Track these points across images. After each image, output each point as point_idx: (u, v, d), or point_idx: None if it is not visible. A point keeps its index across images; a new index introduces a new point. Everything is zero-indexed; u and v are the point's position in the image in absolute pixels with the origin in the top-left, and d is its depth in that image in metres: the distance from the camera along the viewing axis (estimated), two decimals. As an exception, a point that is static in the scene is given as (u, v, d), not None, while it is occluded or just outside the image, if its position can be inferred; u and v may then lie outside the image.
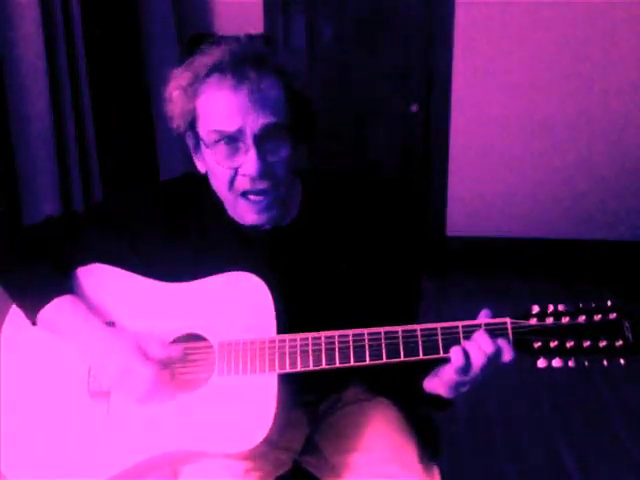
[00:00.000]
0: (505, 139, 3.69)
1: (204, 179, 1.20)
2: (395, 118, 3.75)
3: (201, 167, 1.18)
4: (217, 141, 1.08)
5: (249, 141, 1.06)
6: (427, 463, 1.17)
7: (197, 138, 1.13)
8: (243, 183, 1.10)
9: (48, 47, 2.36)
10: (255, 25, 3.42)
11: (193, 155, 1.18)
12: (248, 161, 1.06)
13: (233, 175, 1.09)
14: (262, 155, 1.07)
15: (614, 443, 2.30)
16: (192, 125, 1.12)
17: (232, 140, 1.07)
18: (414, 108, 3.70)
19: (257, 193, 1.10)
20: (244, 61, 1.07)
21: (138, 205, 1.23)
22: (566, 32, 3.49)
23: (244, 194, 1.11)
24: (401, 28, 3.61)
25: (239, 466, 1.09)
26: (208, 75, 1.08)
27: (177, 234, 1.21)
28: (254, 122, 1.05)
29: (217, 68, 1.07)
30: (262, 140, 1.07)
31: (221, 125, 1.07)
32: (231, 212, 1.19)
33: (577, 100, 3.58)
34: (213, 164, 1.11)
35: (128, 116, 2.98)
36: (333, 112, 3.63)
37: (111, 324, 1.15)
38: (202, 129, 1.11)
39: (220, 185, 1.13)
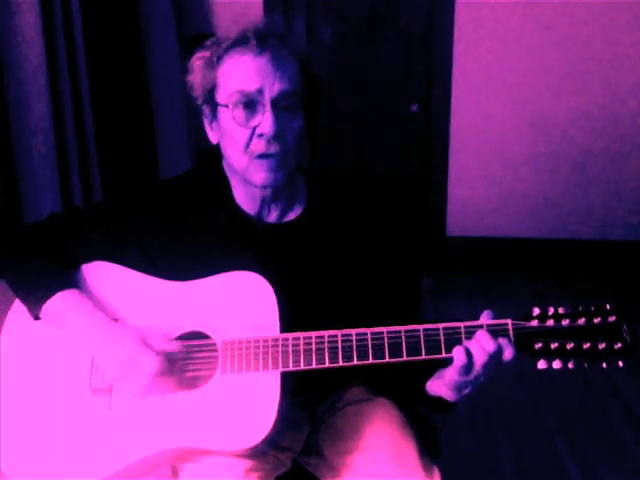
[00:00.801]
0: (505, 139, 3.70)
1: (208, 176, 1.21)
2: (395, 118, 3.75)
3: (213, 138, 1.22)
4: (237, 103, 1.12)
5: (267, 103, 1.11)
6: (427, 463, 1.18)
7: (214, 107, 1.17)
8: (258, 145, 1.13)
9: (48, 47, 2.36)
10: (254, 21, 3.41)
11: (207, 127, 1.22)
12: (265, 121, 1.11)
13: (250, 137, 1.13)
14: (278, 118, 1.11)
15: (615, 443, 2.30)
16: (211, 95, 1.16)
17: (251, 103, 1.12)
18: (414, 108, 3.70)
19: (269, 156, 1.14)
20: (267, 35, 1.13)
21: (142, 203, 1.24)
22: (566, 32, 3.49)
23: (258, 157, 1.14)
24: (401, 28, 3.61)
25: (239, 466, 1.10)
26: (232, 46, 1.14)
27: (181, 231, 1.22)
28: (273, 85, 1.11)
29: (241, 41, 1.14)
30: (278, 105, 1.12)
31: (242, 85, 1.12)
32: (240, 174, 1.20)
33: (577, 100, 3.59)
34: (231, 126, 1.14)
35: (128, 116, 2.97)
36: (333, 112, 3.63)
37: (114, 321, 1.14)
38: (222, 94, 1.15)
39: (235, 148, 1.16)
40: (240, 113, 1.13)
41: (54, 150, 2.42)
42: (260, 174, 1.15)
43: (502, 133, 3.69)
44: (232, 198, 1.24)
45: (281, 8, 3.60)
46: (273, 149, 1.13)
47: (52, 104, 2.40)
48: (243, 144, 1.14)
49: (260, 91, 1.11)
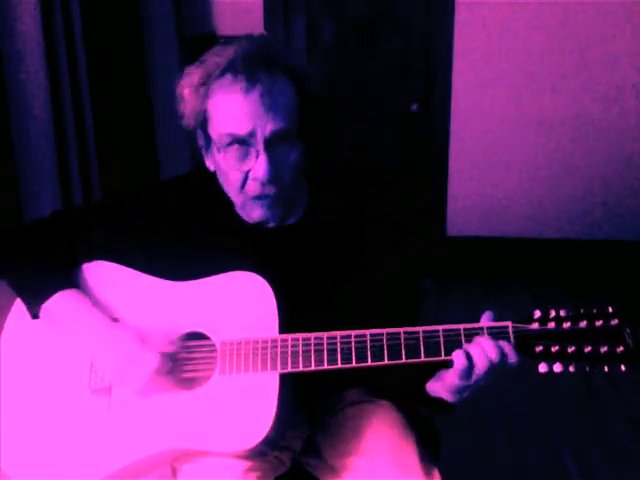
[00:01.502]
0: (505, 139, 3.70)
1: (210, 177, 1.21)
2: (395, 118, 3.75)
3: (210, 165, 1.19)
4: (228, 144, 1.09)
5: (260, 145, 1.07)
6: (427, 466, 1.17)
7: (208, 138, 1.14)
8: (253, 188, 1.11)
9: (48, 47, 2.36)
10: (255, 25, 3.43)
11: (203, 153, 1.20)
12: (259, 166, 1.08)
13: (244, 179, 1.11)
14: (272, 159, 1.08)
15: (614, 443, 2.30)
16: (203, 125, 1.13)
17: (243, 143, 1.08)
18: (414, 108, 3.70)
19: (265, 198, 1.12)
20: (256, 62, 1.07)
21: (143, 203, 1.24)
22: (566, 32, 3.49)
23: (254, 198, 1.13)
24: (401, 28, 3.62)
25: (238, 466, 1.09)
26: (220, 75, 1.08)
27: (182, 232, 1.21)
28: (265, 126, 1.07)
29: (229, 68, 1.07)
30: (273, 144, 1.08)
31: (232, 128, 1.08)
32: (238, 208, 1.21)
33: (578, 99, 3.59)
34: (224, 167, 1.12)
35: (128, 116, 2.97)
36: (333, 112, 3.63)
37: (114, 321, 1.14)
38: (214, 132, 1.11)
39: (230, 187, 1.15)
40: (233, 155, 1.09)
41: (54, 150, 2.43)
42: (257, 212, 1.15)
43: (502, 133, 3.69)
44: (231, 203, 1.23)
45: (281, 8, 3.60)
46: (268, 191, 1.11)
47: (52, 104, 2.40)
48: (238, 185, 1.12)
49: (252, 134, 1.07)
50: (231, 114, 1.07)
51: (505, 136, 3.69)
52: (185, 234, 1.21)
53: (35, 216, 2.38)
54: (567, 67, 3.54)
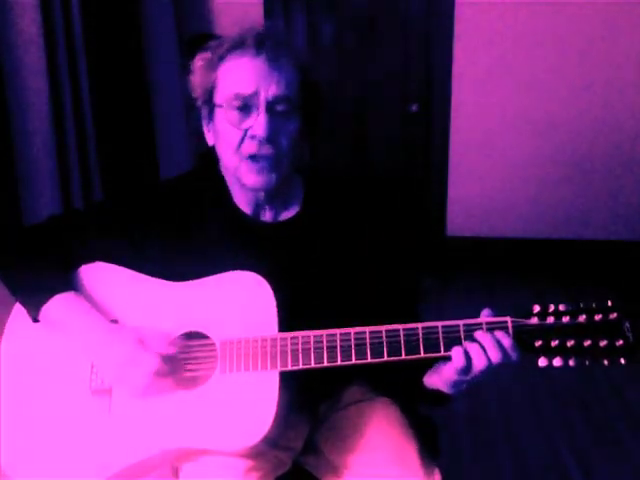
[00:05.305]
0: (505, 139, 3.70)
1: (206, 177, 1.21)
2: (395, 118, 3.75)
3: (210, 139, 1.23)
4: (232, 105, 1.13)
5: (261, 106, 1.12)
6: (428, 464, 1.18)
7: (212, 108, 1.18)
8: (250, 146, 1.13)
9: (48, 47, 2.36)
10: (255, 25, 3.42)
11: (204, 128, 1.23)
12: (258, 123, 1.11)
13: (242, 137, 1.14)
14: (271, 121, 1.12)
15: (615, 443, 2.30)
16: (209, 96, 1.18)
17: (246, 105, 1.13)
18: (414, 108, 3.71)
19: (261, 158, 1.14)
20: (265, 38, 1.14)
21: (141, 203, 1.24)
22: (566, 32, 3.49)
23: (249, 158, 1.15)
24: (401, 28, 3.62)
25: (239, 465, 1.10)
26: (231, 48, 1.15)
27: (180, 232, 1.22)
28: (269, 88, 1.12)
29: (240, 42, 1.15)
30: (273, 108, 1.12)
31: (238, 88, 1.12)
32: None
33: (577, 99, 3.59)
34: (225, 126, 1.15)
35: (128, 116, 2.97)
36: (333, 112, 3.63)
37: (114, 322, 1.15)
38: (220, 95, 1.16)
39: (227, 148, 1.16)
40: (234, 114, 1.13)
41: (54, 150, 2.42)
42: (251, 176, 1.15)
43: (502, 133, 3.69)
44: (230, 199, 1.24)
45: (281, 8, 3.60)
46: (265, 151, 1.13)
47: (52, 104, 2.40)
48: (235, 145, 1.14)
49: (256, 93, 1.11)
50: (238, 75, 1.13)
51: (505, 136, 3.70)
52: (183, 234, 1.22)
53: (35, 217, 2.38)
54: (567, 67, 3.54)
